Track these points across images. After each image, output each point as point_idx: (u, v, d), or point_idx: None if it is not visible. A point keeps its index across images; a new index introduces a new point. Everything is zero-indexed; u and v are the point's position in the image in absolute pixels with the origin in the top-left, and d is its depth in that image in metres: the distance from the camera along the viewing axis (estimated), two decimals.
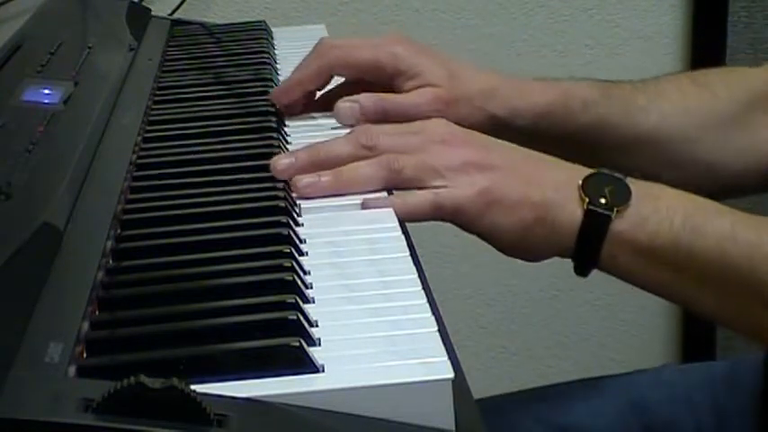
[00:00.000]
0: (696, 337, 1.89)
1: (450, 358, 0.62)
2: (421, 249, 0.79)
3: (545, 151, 0.90)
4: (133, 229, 0.79)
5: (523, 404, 1.11)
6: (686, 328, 1.90)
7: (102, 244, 0.76)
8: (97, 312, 0.68)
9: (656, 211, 0.84)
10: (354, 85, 1.02)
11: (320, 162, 0.87)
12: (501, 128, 1.01)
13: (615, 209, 0.84)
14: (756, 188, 1.07)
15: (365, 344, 0.65)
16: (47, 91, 0.97)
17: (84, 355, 0.63)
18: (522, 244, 0.87)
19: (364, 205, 0.84)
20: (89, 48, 1.11)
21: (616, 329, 1.90)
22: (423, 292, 0.71)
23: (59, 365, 0.61)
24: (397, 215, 0.83)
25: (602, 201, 0.84)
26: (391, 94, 1.00)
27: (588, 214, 0.84)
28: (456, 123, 0.93)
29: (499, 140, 0.91)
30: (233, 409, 0.57)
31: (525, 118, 1.02)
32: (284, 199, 0.83)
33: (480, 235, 0.88)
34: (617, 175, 0.86)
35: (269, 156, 0.91)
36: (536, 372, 1.89)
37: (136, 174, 0.89)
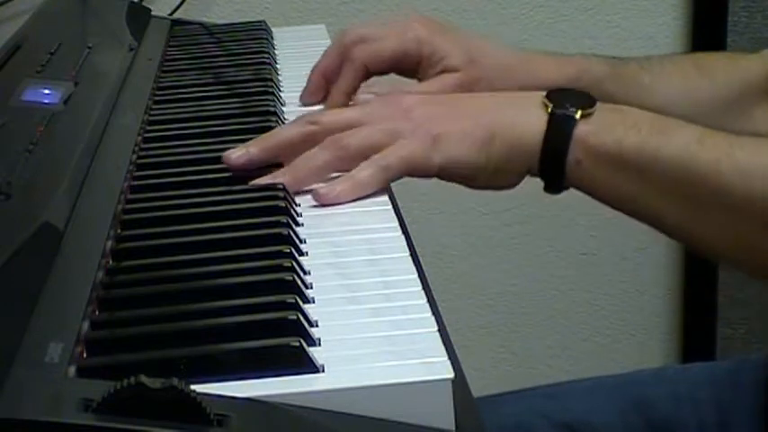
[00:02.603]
0: (696, 338, 1.89)
1: (450, 358, 0.62)
2: (421, 249, 0.79)
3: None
4: (133, 229, 0.79)
5: (526, 401, 1.11)
6: (686, 329, 1.90)
7: (102, 244, 0.76)
8: (97, 312, 0.68)
9: (622, 120, 0.84)
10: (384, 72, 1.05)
11: (270, 148, 0.88)
12: None
13: (580, 111, 0.84)
14: None
15: (365, 344, 0.65)
16: (47, 91, 0.97)
17: (84, 355, 0.63)
18: (485, 168, 0.86)
19: (317, 200, 0.85)
20: (89, 48, 1.11)
21: (616, 329, 1.90)
22: (423, 292, 0.71)
23: (59, 365, 0.61)
24: (348, 197, 0.84)
25: (567, 105, 0.84)
26: (413, 84, 1.03)
27: (552, 117, 0.84)
28: None
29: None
30: (233, 409, 0.57)
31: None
32: (284, 199, 0.83)
33: (441, 174, 0.87)
34: (579, 90, 0.87)
35: None
36: (536, 372, 1.89)
37: (136, 174, 0.89)
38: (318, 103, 1.05)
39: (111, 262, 0.75)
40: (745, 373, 1.08)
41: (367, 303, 0.69)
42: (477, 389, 0.69)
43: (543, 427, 1.07)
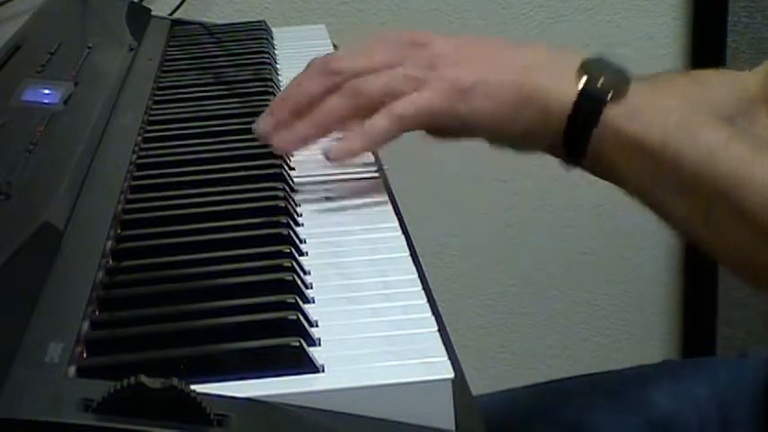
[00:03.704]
0: (696, 338, 1.89)
1: (450, 358, 0.62)
2: (421, 249, 0.79)
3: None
4: (133, 229, 0.79)
5: (526, 400, 1.11)
6: (686, 328, 1.90)
7: (102, 244, 0.76)
8: (97, 312, 0.68)
9: (652, 105, 0.82)
10: None
11: (296, 105, 0.85)
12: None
13: (612, 91, 0.81)
14: None
15: (365, 344, 0.65)
16: (47, 91, 0.97)
17: (84, 355, 0.64)
18: (511, 128, 0.83)
19: (328, 156, 0.83)
20: (89, 48, 1.11)
21: (616, 329, 1.90)
22: (423, 292, 0.71)
23: (59, 365, 0.61)
24: (363, 150, 0.82)
25: (600, 83, 0.81)
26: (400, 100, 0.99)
27: (582, 95, 0.81)
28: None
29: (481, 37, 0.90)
30: (233, 409, 0.57)
31: None
32: (284, 199, 0.83)
33: (463, 129, 0.84)
34: (617, 63, 0.83)
35: (269, 156, 0.91)
36: (536, 372, 1.89)
37: (136, 174, 0.89)
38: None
39: (111, 262, 0.75)
40: (746, 370, 1.08)
41: (367, 303, 0.69)
42: (477, 389, 0.69)
43: (543, 425, 1.07)
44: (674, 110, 0.82)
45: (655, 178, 0.82)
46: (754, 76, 1.09)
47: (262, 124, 0.87)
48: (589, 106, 0.81)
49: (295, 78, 0.89)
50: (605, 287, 1.86)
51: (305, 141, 0.85)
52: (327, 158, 0.83)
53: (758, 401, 1.05)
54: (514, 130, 0.84)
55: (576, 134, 0.82)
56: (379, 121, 0.83)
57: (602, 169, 0.84)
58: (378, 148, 0.83)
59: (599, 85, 0.81)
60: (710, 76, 1.10)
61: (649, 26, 1.77)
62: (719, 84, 1.08)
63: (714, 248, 0.84)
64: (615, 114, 0.81)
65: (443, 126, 0.84)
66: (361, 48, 0.88)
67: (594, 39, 1.76)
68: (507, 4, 1.73)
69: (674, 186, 0.81)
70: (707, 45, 1.77)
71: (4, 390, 0.57)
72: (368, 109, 0.83)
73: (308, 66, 0.89)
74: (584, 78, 0.82)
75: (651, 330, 1.91)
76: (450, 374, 0.61)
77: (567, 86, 0.82)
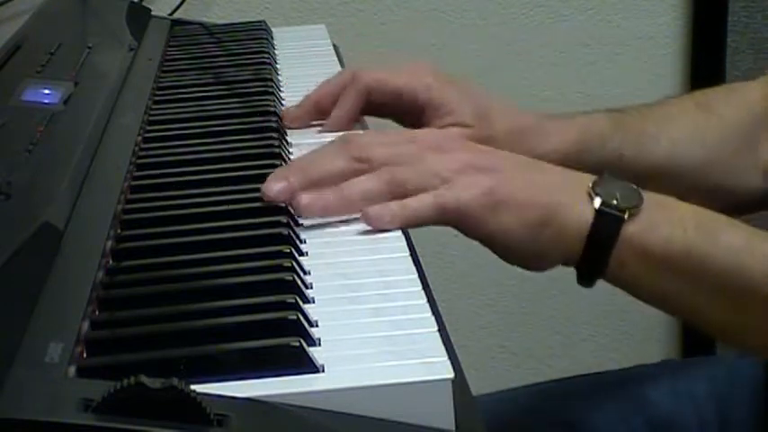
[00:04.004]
0: (696, 337, 1.89)
1: (450, 358, 0.62)
2: (421, 249, 0.79)
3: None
4: (133, 229, 0.79)
5: (526, 399, 1.11)
6: (686, 328, 1.90)
7: (102, 244, 0.76)
8: (97, 312, 0.68)
9: (668, 218, 0.81)
10: (378, 107, 1.01)
11: (316, 182, 0.82)
12: None
13: (628, 210, 0.81)
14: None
15: (365, 344, 0.65)
16: (47, 91, 0.97)
17: (84, 355, 0.63)
18: (529, 248, 0.83)
19: (366, 219, 0.80)
20: (89, 48, 1.11)
21: (616, 329, 1.90)
22: (423, 292, 0.71)
23: (59, 365, 0.61)
24: (399, 224, 0.80)
25: (614, 202, 0.81)
26: (419, 130, 0.97)
27: (599, 215, 0.81)
28: None
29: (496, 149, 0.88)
30: (233, 409, 0.57)
31: (551, 161, 0.97)
32: None
33: (485, 239, 0.83)
34: (626, 181, 0.83)
35: (269, 156, 0.91)
36: (536, 372, 1.89)
37: (136, 174, 0.89)
38: (298, 128, 1.00)
39: (111, 262, 0.75)
40: (744, 369, 1.08)
41: (367, 303, 0.69)
42: (477, 389, 0.69)
43: (543, 425, 1.07)
44: (689, 215, 0.82)
45: (681, 286, 0.82)
46: (758, 89, 1.08)
47: (275, 188, 0.81)
48: (607, 225, 0.81)
49: (312, 151, 0.86)
50: (605, 287, 1.86)
51: (332, 210, 0.81)
52: (365, 221, 0.80)
53: (757, 401, 1.05)
54: (531, 250, 0.83)
55: (594, 256, 0.82)
56: (420, 202, 0.80)
57: (625, 285, 0.84)
58: (411, 226, 0.81)
59: (614, 203, 0.81)
60: (715, 98, 1.10)
61: (649, 26, 1.77)
62: (726, 106, 1.08)
63: (744, 343, 0.85)
64: (634, 231, 0.81)
65: (470, 232, 0.83)
66: (385, 137, 0.86)
67: (594, 39, 1.76)
68: (507, 4, 1.73)
69: (702, 290, 0.81)
70: (707, 45, 1.77)
71: (4, 390, 0.57)
72: (400, 197, 0.81)
73: (332, 142, 0.86)
74: (599, 198, 0.81)
75: (651, 330, 1.91)
76: (450, 374, 0.61)
77: (583, 206, 0.81)
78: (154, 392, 0.55)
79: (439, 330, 0.65)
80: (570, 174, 0.85)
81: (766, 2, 1.75)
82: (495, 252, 0.84)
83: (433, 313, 0.68)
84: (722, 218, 0.83)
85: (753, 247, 0.80)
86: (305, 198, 0.80)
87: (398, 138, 0.87)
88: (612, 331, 1.90)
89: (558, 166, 0.87)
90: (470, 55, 1.72)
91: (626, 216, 0.81)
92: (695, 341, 1.90)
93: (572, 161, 0.97)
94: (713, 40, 1.76)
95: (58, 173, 0.83)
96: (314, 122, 1.01)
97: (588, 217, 0.81)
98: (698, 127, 1.06)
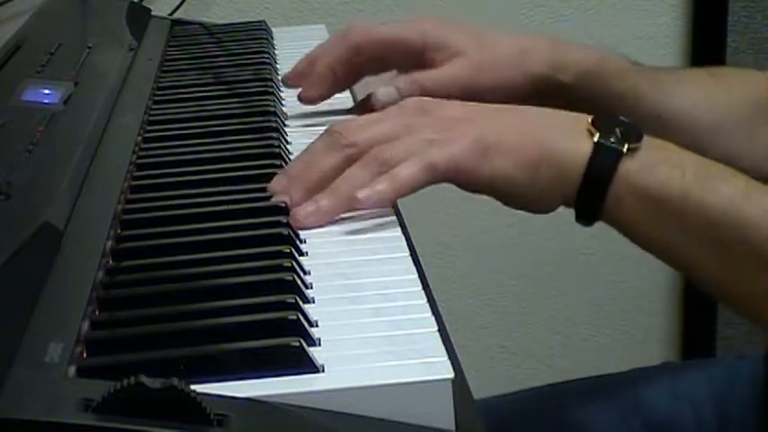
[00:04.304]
0: (696, 338, 1.89)
1: (450, 358, 0.62)
2: (421, 249, 0.79)
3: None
4: (133, 229, 0.79)
5: (524, 404, 1.11)
6: (686, 328, 1.90)
7: (102, 244, 0.76)
8: (97, 312, 0.68)
9: (667, 159, 0.81)
10: (375, 63, 1.02)
11: (315, 187, 0.82)
12: (542, 87, 0.98)
13: (627, 145, 0.80)
14: None
15: (365, 344, 0.65)
16: (47, 91, 0.97)
17: (84, 355, 0.63)
18: (529, 190, 0.82)
19: (359, 206, 0.80)
20: (89, 48, 1.11)
21: (616, 329, 1.90)
22: (423, 292, 0.71)
23: (59, 365, 0.61)
24: (391, 197, 0.80)
25: (613, 138, 0.80)
26: (424, 71, 0.98)
27: (597, 148, 0.80)
28: (494, 89, 0.92)
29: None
30: (233, 409, 0.57)
31: (568, 73, 0.99)
32: None
33: (485, 186, 0.82)
34: (627, 119, 0.82)
35: (269, 156, 0.91)
36: (536, 372, 1.89)
37: (136, 174, 0.89)
38: (320, 97, 1.01)
39: (111, 262, 0.75)
40: (743, 371, 1.08)
41: (367, 303, 0.69)
42: (477, 389, 0.69)
43: (543, 428, 1.07)
44: (688, 162, 0.81)
45: (676, 231, 0.81)
46: (764, 78, 1.08)
47: (300, 216, 0.81)
48: (604, 161, 0.80)
49: (304, 152, 0.86)
50: (605, 287, 1.86)
51: (330, 215, 0.81)
52: (355, 205, 0.80)
53: (756, 403, 1.05)
54: (531, 192, 0.82)
55: (592, 191, 0.81)
56: (408, 168, 0.80)
57: (621, 225, 0.83)
58: (407, 194, 0.80)
59: (613, 140, 0.80)
60: (731, 75, 1.10)
61: (649, 26, 1.77)
62: (737, 80, 1.08)
63: (736, 297, 0.84)
64: (631, 169, 0.80)
65: (467, 183, 0.83)
66: (368, 118, 0.86)
67: (594, 39, 1.76)
68: (507, 4, 1.74)
69: (696, 237, 0.80)
70: (707, 45, 1.77)
71: (4, 390, 0.57)
72: None
73: (320, 138, 0.85)
74: (598, 134, 0.81)
75: (651, 330, 1.91)
76: (450, 374, 0.61)
77: (582, 143, 0.81)
78: (154, 392, 0.55)
79: (439, 330, 0.65)
80: (567, 114, 0.85)
81: (766, 2, 1.75)
82: (498, 199, 0.84)
83: (433, 313, 0.68)
84: (721, 167, 0.82)
85: (750, 197, 0.79)
86: (300, 213, 0.80)
87: (381, 115, 0.87)
88: (612, 331, 1.90)
89: (550, 109, 0.86)
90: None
91: (624, 150, 0.80)
92: (695, 341, 1.90)
93: (592, 82, 0.97)
94: (713, 40, 1.76)
95: (58, 173, 0.83)
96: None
97: (587, 151, 0.80)
98: (710, 91, 1.05)
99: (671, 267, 0.87)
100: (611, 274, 1.84)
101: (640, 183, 0.80)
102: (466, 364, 0.66)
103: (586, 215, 0.83)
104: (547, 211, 0.85)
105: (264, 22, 1.34)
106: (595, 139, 0.81)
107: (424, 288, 0.71)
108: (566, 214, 0.83)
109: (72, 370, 0.61)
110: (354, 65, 1.01)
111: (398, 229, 0.80)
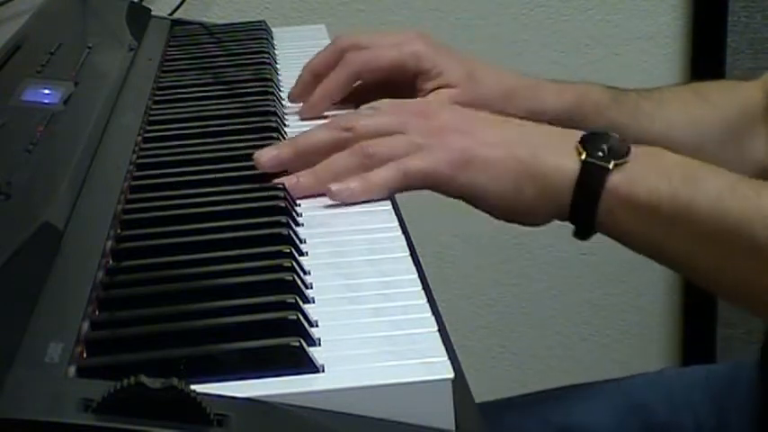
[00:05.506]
0: (695, 338, 1.89)
1: (450, 358, 0.62)
2: (421, 249, 0.79)
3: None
4: (133, 229, 0.79)
5: (525, 407, 1.11)
6: (686, 329, 1.90)
7: (102, 244, 0.76)
8: (97, 312, 0.68)
9: (655, 167, 0.83)
10: (373, 85, 1.03)
11: (303, 152, 0.87)
12: None
13: (613, 161, 0.82)
14: None
15: (365, 344, 0.65)
16: (47, 91, 0.97)
17: (84, 355, 0.64)
18: (514, 205, 0.85)
19: (329, 196, 0.84)
20: (89, 48, 1.11)
21: (616, 330, 1.90)
22: (423, 292, 0.71)
23: (59, 365, 0.61)
24: (360, 197, 0.83)
25: (600, 154, 0.83)
26: (409, 99, 1.00)
27: (585, 166, 0.83)
28: None
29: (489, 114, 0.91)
30: (233, 409, 0.57)
31: (546, 117, 1.01)
32: (284, 199, 0.83)
33: (462, 196, 0.86)
34: (615, 134, 0.85)
35: None
36: (536, 372, 1.89)
37: (136, 174, 0.89)
38: (305, 101, 1.04)
39: (111, 262, 0.75)
40: (742, 375, 1.08)
41: (367, 303, 0.69)
42: (478, 389, 0.69)
43: (542, 431, 1.07)
44: (675, 166, 0.83)
45: (669, 234, 0.83)
46: (754, 88, 1.09)
47: (264, 158, 0.87)
48: (592, 180, 0.83)
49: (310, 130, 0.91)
50: (605, 287, 1.86)
51: (305, 193, 0.85)
52: (328, 196, 0.84)
53: (754, 408, 1.05)
54: (519, 206, 0.85)
55: (583, 208, 0.84)
56: (384, 172, 0.84)
57: (615, 235, 0.85)
58: (377, 196, 0.84)
59: (600, 155, 0.83)
60: (712, 89, 1.11)
61: (649, 26, 1.77)
62: (722, 97, 1.09)
63: (732, 291, 0.86)
64: (619, 183, 0.82)
65: (444, 192, 0.86)
66: (372, 107, 0.90)
67: (594, 39, 1.76)
68: (507, 4, 1.74)
69: (690, 238, 0.82)
70: (707, 45, 1.77)
71: (4, 390, 0.57)
72: (371, 169, 0.85)
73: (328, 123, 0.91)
74: (585, 153, 0.83)
75: (651, 330, 1.91)
76: (450, 374, 0.61)
77: (569, 161, 0.84)
78: (154, 392, 0.55)
79: (439, 330, 0.65)
80: (558, 130, 0.88)
81: (766, 2, 1.75)
82: (484, 211, 0.87)
83: (433, 313, 0.68)
84: (708, 166, 0.84)
85: (734, 191, 0.81)
86: (286, 183, 0.85)
87: (384, 107, 0.90)
88: (612, 331, 1.90)
89: (545, 125, 0.89)
90: (470, 55, 1.71)
91: (611, 166, 0.82)
92: (695, 342, 1.90)
93: (567, 124, 0.98)
94: (713, 40, 1.76)
95: (58, 173, 0.83)
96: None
97: (575, 169, 0.83)
98: (690, 111, 1.07)
99: (669, 269, 0.88)
100: (611, 274, 1.84)
101: (629, 195, 0.82)
102: (466, 364, 0.66)
103: (581, 230, 0.86)
104: (539, 225, 0.88)
105: (264, 22, 1.34)
106: (583, 157, 0.83)
107: (424, 288, 0.71)
108: None
109: (72, 370, 0.61)
110: (351, 92, 1.03)
111: (398, 229, 0.80)
